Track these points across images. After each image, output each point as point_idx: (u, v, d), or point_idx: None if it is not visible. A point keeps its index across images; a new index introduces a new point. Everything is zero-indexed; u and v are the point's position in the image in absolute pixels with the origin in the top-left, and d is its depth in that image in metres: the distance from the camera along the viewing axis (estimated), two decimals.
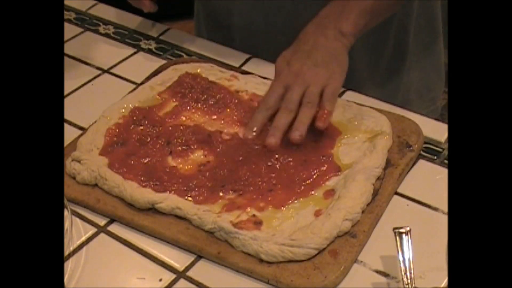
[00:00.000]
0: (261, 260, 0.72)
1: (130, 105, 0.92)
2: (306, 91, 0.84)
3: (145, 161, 0.84)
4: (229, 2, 1.08)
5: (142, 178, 0.81)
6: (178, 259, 0.75)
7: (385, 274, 0.71)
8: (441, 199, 0.78)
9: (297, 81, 0.84)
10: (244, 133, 0.85)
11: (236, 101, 0.92)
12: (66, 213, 0.77)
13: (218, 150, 0.85)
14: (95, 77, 1.04)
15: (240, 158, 0.83)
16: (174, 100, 0.94)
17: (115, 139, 0.87)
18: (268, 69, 0.99)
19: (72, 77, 1.03)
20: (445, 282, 0.70)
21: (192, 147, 0.86)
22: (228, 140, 0.86)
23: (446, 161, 0.83)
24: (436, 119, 0.91)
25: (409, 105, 1.08)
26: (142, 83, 0.99)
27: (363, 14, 0.88)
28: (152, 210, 0.78)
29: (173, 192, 0.79)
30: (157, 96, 0.94)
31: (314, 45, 0.87)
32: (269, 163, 0.81)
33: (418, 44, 1.09)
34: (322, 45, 0.86)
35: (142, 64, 1.06)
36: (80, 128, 0.93)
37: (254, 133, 0.84)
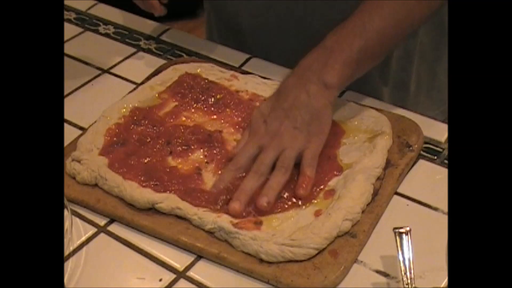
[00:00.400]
0: (261, 260, 0.72)
1: (130, 105, 0.92)
2: (281, 155, 0.79)
3: (145, 161, 0.84)
4: (236, 3, 1.08)
5: (142, 178, 0.81)
6: (178, 259, 0.75)
7: (385, 274, 0.71)
8: (441, 199, 0.78)
9: (273, 143, 0.79)
10: (211, 189, 0.79)
11: (236, 101, 0.92)
12: (66, 213, 0.77)
13: (219, 157, 0.84)
14: (95, 77, 1.04)
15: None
16: (174, 100, 0.94)
17: (115, 139, 0.87)
18: (268, 69, 0.99)
19: (72, 77, 1.03)
20: (445, 282, 0.70)
21: (192, 147, 0.85)
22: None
23: (446, 161, 0.83)
24: (444, 120, 0.91)
25: (420, 106, 1.08)
26: (142, 83, 0.99)
27: (348, 64, 0.81)
28: (152, 210, 0.78)
29: (173, 192, 0.79)
30: (157, 96, 0.94)
31: (294, 102, 0.81)
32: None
33: (427, 46, 1.08)
34: (303, 103, 0.80)
35: (142, 64, 1.06)
36: (80, 128, 0.93)
37: (236, 208, 0.76)
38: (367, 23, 0.83)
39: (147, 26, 1.15)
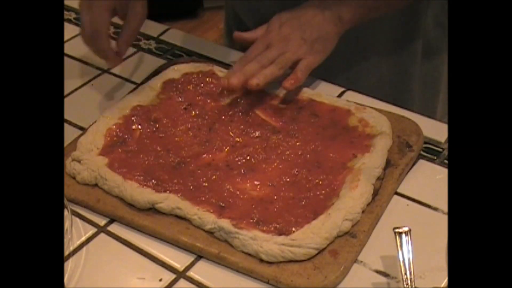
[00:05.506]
0: (261, 260, 0.72)
1: (130, 105, 0.92)
2: (282, 55, 0.89)
3: (145, 161, 0.83)
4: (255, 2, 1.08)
5: (142, 178, 0.81)
6: (178, 259, 0.75)
7: (385, 274, 0.71)
8: (441, 199, 0.78)
9: (279, 44, 0.90)
10: (222, 79, 0.89)
11: None
12: (66, 213, 0.77)
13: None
14: (95, 77, 1.04)
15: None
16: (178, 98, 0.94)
17: (115, 139, 0.87)
18: None
19: (72, 77, 1.03)
20: (445, 282, 0.70)
21: None
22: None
23: (446, 161, 0.83)
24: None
25: (423, 104, 1.08)
26: (142, 83, 0.99)
27: (363, 5, 0.92)
28: (152, 210, 0.78)
29: (173, 192, 0.79)
30: (157, 96, 0.94)
31: (310, 20, 0.91)
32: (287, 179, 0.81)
33: (432, 45, 1.09)
34: (317, 23, 0.91)
35: (142, 64, 1.06)
36: (80, 128, 0.93)
37: (232, 82, 0.88)
38: None
39: (147, 26, 1.14)
